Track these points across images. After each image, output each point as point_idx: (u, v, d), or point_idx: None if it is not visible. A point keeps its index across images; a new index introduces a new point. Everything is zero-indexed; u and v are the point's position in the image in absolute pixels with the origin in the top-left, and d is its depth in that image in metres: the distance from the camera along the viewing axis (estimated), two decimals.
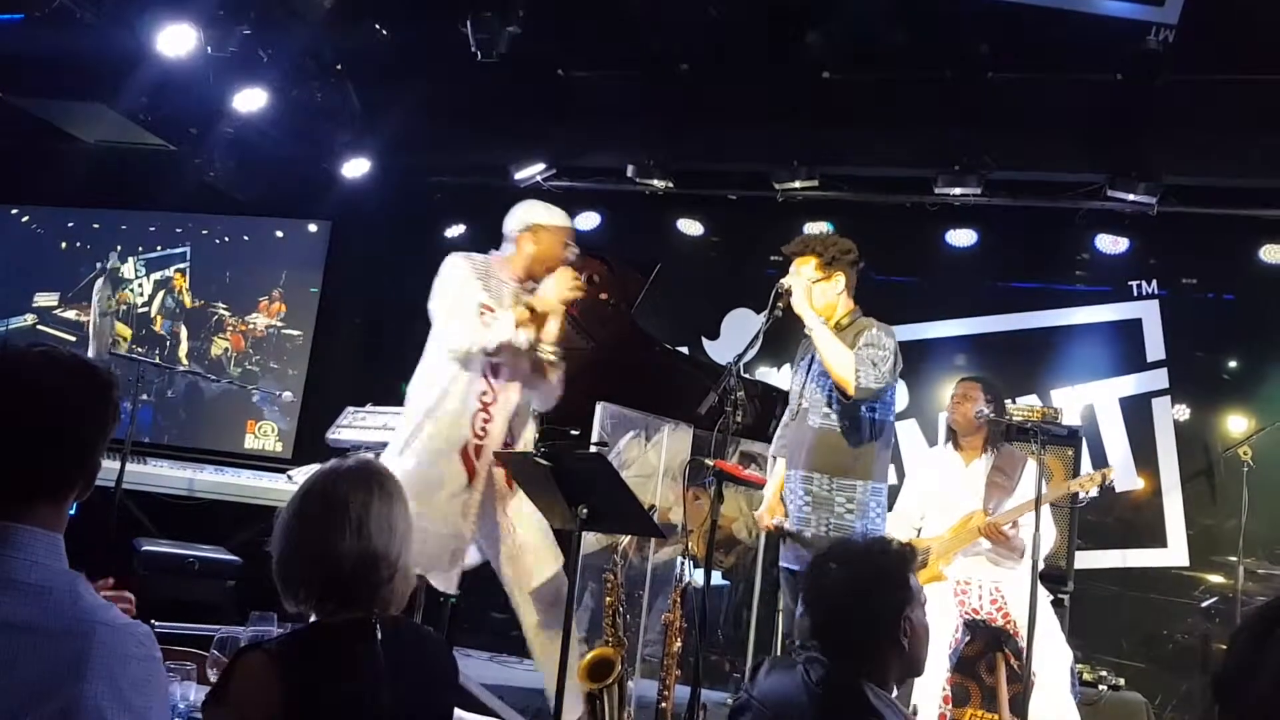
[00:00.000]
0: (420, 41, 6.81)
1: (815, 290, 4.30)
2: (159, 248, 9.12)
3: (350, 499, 2.00)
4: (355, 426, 6.50)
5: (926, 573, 5.04)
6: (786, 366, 8.75)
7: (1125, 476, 7.18)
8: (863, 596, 2.31)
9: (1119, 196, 6.57)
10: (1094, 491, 5.21)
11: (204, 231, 9.07)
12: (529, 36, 6.13)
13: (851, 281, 4.39)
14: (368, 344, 8.86)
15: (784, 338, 8.22)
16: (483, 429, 4.26)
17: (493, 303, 4.28)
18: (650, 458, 5.88)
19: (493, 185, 8.02)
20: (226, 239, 9.04)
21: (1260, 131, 6.32)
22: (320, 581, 1.97)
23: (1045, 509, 5.02)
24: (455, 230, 8.62)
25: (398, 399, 7.55)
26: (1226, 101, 6.29)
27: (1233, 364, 7.22)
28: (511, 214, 4.56)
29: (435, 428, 4.26)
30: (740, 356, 4.23)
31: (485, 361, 4.27)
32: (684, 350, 8.06)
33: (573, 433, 5.11)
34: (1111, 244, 7.26)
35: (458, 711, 3.27)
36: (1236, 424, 6.98)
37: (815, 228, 7.73)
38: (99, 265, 9.16)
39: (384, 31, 6.91)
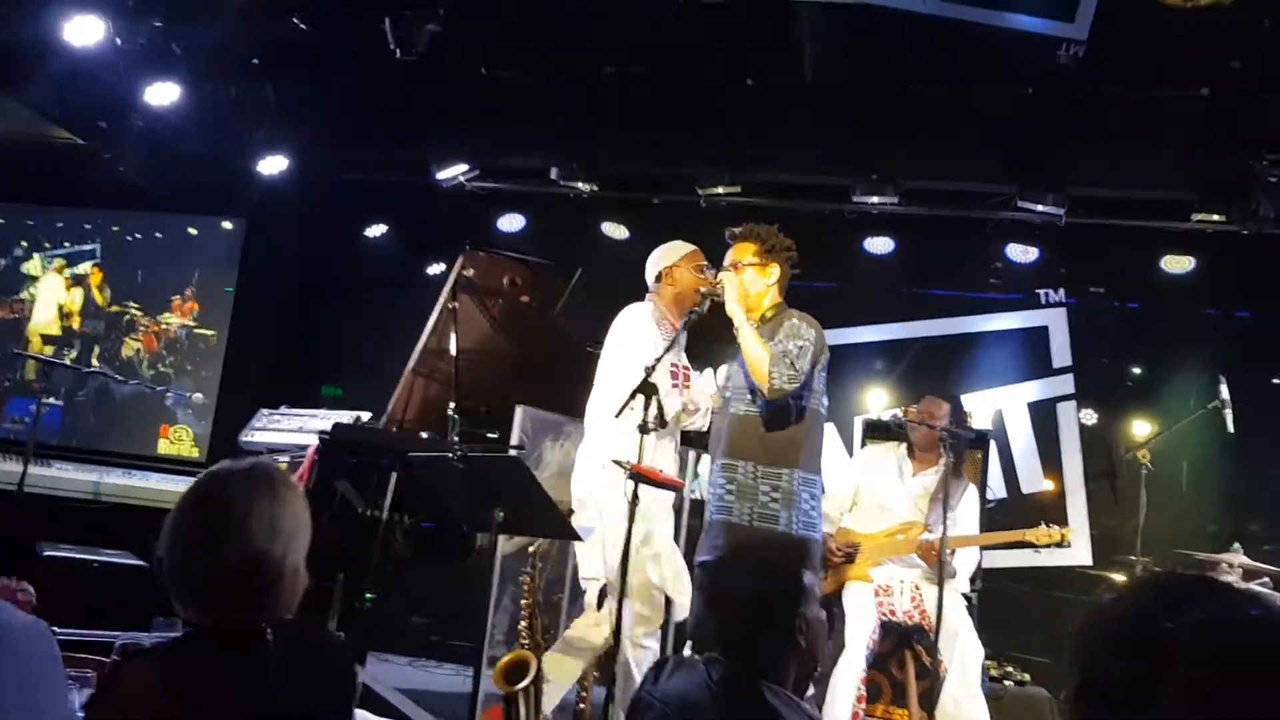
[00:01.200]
0: (340, 37, 6.73)
1: (748, 275, 4.35)
2: (67, 244, 8.87)
3: (235, 500, 1.96)
4: (269, 429, 6.39)
5: (853, 570, 5.11)
6: (709, 371, 8.85)
7: (1032, 479, 7.39)
8: (759, 597, 2.33)
9: (1029, 207, 6.75)
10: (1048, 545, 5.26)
11: (114, 228, 8.84)
12: (452, 35, 6.09)
13: (785, 277, 4.43)
14: (284, 344, 8.73)
15: (713, 340, 8.35)
16: None
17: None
18: (569, 458, 5.87)
19: (415, 184, 7.97)
20: (138, 236, 8.83)
21: (1163, 146, 6.54)
22: (206, 584, 1.93)
23: (972, 528, 5.16)
24: (376, 230, 8.53)
25: (314, 400, 7.52)
26: (1132, 116, 6.49)
27: (1136, 370, 7.45)
28: (648, 267, 4.79)
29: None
30: (659, 358, 4.25)
31: None
32: None
33: (490, 435, 5.09)
34: (1022, 253, 7.45)
35: (368, 715, 3.24)
36: (1140, 428, 7.19)
37: None
38: (2, 262, 8.90)
39: (302, 26, 6.81)
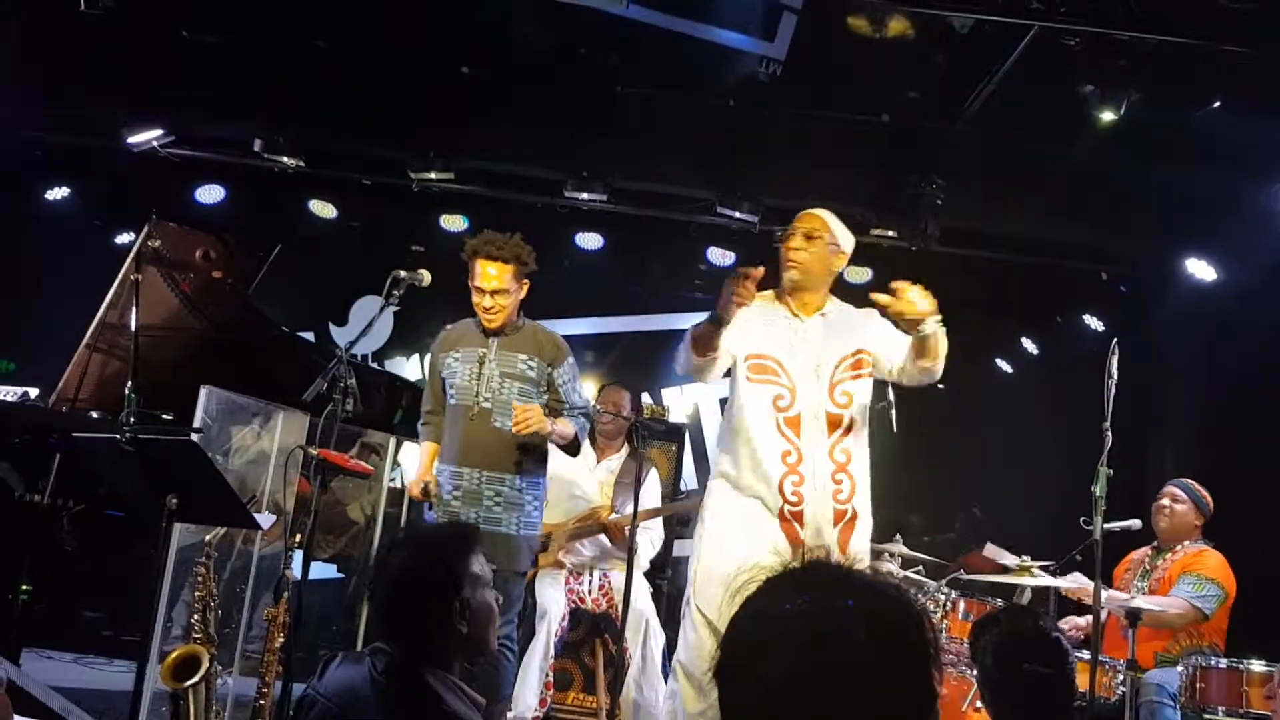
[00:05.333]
0: None
1: (512, 299, 4.37)
2: None
3: None
4: None
5: (545, 558, 5.23)
6: (417, 357, 8.76)
7: None
8: (414, 582, 2.32)
9: (726, 213, 7.11)
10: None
11: None
12: None
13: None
14: None
15: (417, 328, 8.27)
16: None
17: None
18: (263, 444, 5.67)
19: (103, 148, 7.43)
20: None
21: (847, 164, 7.06)
22: None
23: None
24: (58, 192, 7.88)
25: None
26: (820, 135, 6.97)
27: None
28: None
29: None
30: (353, 343, 4.17)
31: None
32: (309, 336, 7.83)
33: (165, 417, 4.82)
34: (721, 256, 7.84)
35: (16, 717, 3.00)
36: None
37: (451, 222, 7.81)
38: None
39: None
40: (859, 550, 3.72)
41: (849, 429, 3.68)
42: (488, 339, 4.42)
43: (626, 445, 5.47)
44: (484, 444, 4.34)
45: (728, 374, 3.83)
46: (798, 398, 3.67)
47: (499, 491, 4.35)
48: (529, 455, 4.39)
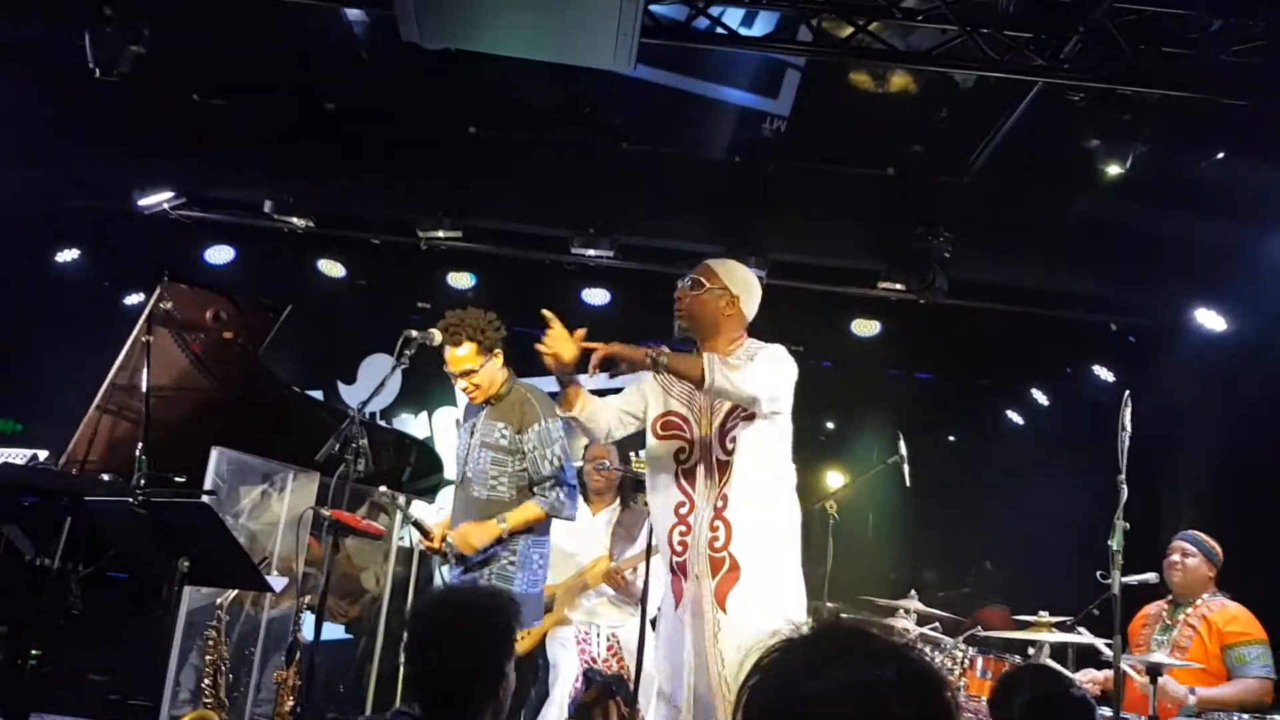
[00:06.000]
0: (36, 48, 6.26)
1: (484, 374, 4.40)
2: None
3: None
4: None
5: (551, 617, 5.20)
6: (425, 414, 8.76)
7: None
8: (471, 649, 2.31)
9: None
10: None
11: None
12: (161, 56, 5.78)
13: (505, 351, 4.52)
14: None
15: (425, 386, 8.28)
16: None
17: None
18: (273, 506, 5.65)
19: (114, 210, 7.50)
20: None
21: (853, 219, 7.09)
22: None
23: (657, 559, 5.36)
24: (68, 254, 7.93)
25: None
26: (827, 189, 7.00)
27: (829, 425, 7.98)
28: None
29: None
30: (365, 403, 4.19)
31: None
32: (318, 395, 7.84)
33: (177, 480, 4.80)
34: None
35: None
36: (834, 479, 7.67)
37: (459, 279, 7.85)
38: None
39: None
40: (739, 607, 3.44)
41: (731, 475, 3.54)
42: (480, 410, 4.52)
43: (618, 498, 5.51)
44: (467, 512, 4.42)
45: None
46: (695, 449, 3.60)
47: (484, 565, 4.40)
48: None
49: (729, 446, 3.56)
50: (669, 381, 3.68)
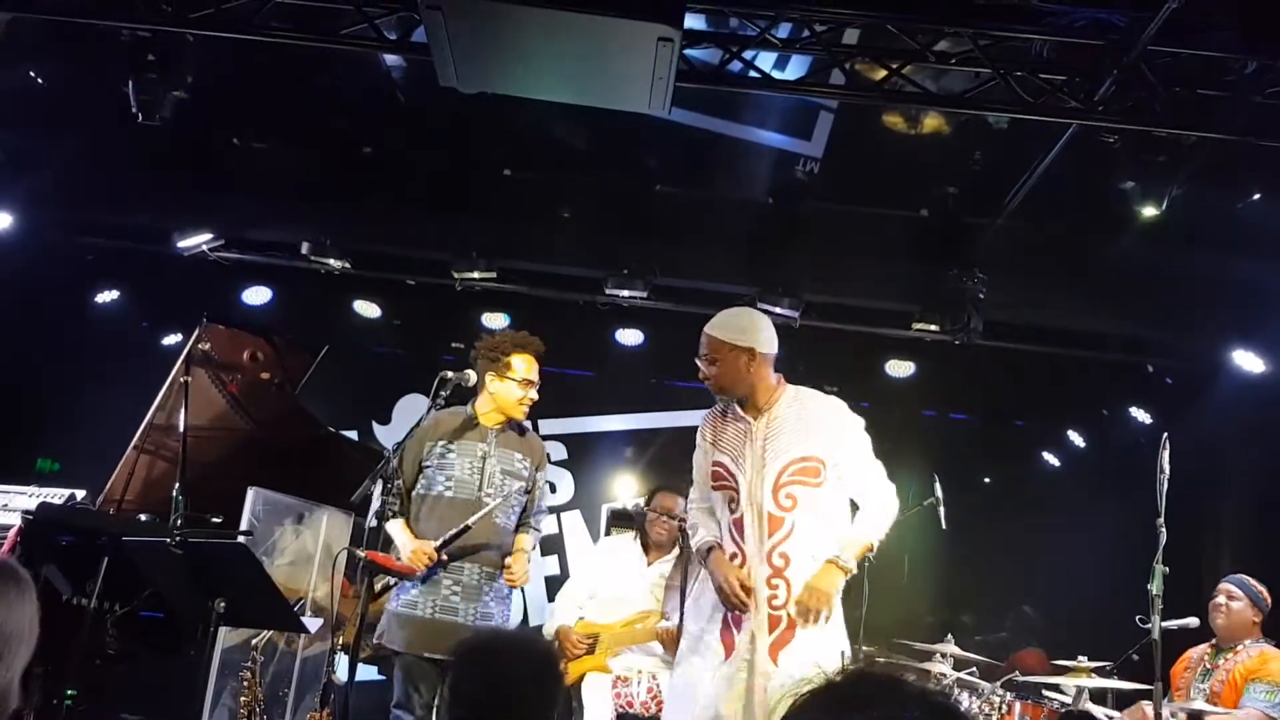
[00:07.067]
0: (80, 94, 6.40)
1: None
2: None
3: None
4: None
5: (592, 661, 5.13)
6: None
7: None
8: (519, 694, 2.29)
9: (767, 309, 7.11)
10: None
11: None
12: (202, 102, 5.90)
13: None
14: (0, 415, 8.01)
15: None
16: None
17: None
18: (306, 545, 5.67)
19: (153, 252, 7.61)
20: None
21: (887, 260, 7.09)
22: None
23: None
24: (108, 295, 8.05)
25: (28, 476, 6.92)
26: (860, 230, 7.01)
27: None
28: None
29: None
30: (400, 444, 4.21)
31: None
32: (353, 435, 7.88)
33: (214, 520, 4.84)
34: None
35: None
36: None
37: (493, 320, 7.89)
38: None
39: (39, 80, 6.44)
40: (790, 661, 3.44)
41: (790, 532, 3.55)
42: (486, 435, 4.45)
43: (678, 548, 5.38)
44: (485, 540, 4.36)
45: None
46: (742, 498, 3.60)
47: (493, 587, 4.40)
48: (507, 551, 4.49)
49: (784, 502, 3.56)
50: (718, 429, 3.70)
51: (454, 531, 4.23)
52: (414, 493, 4.41)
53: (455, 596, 4.29)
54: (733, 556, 3.58)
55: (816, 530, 3.56)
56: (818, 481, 3.57)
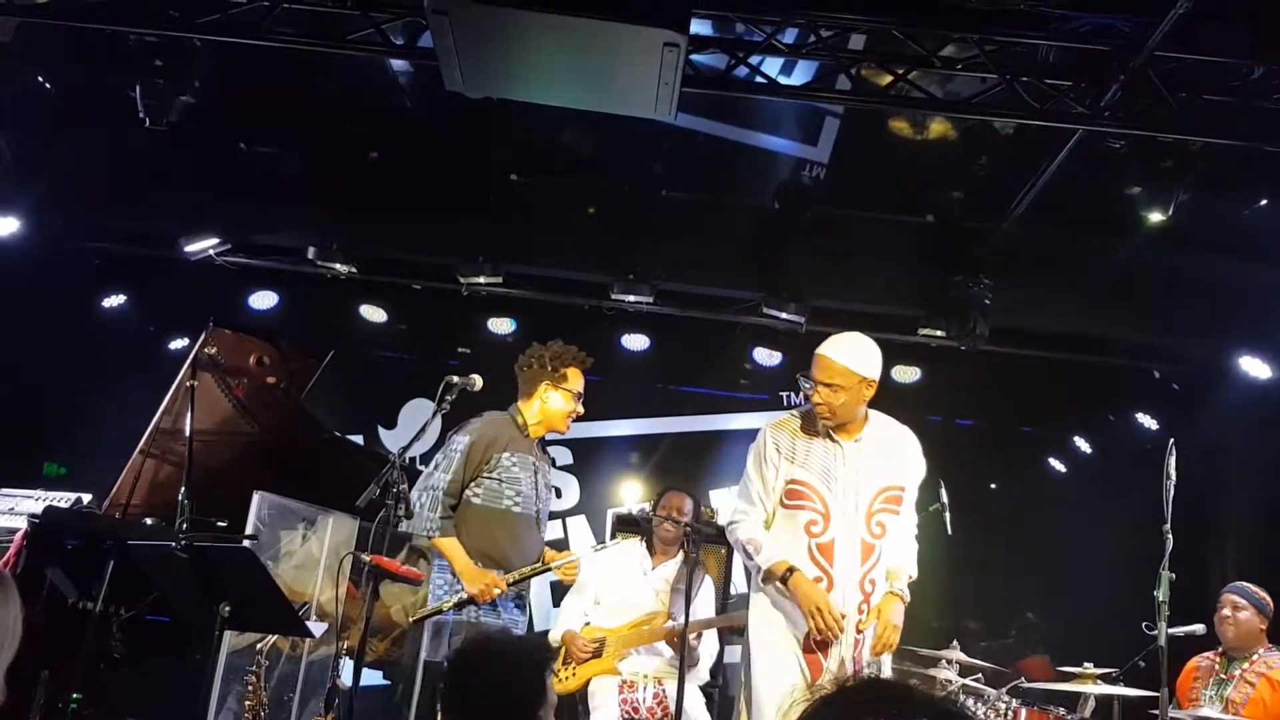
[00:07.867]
0: (87, 99, 6.42)
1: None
2: None
3: None
4: None
5: (600, 664, 5.12)
6: None
7: None
8: (504, 698, 2.31)
9: (773, 314, 7.13)
10: None
11: None
12: (209, 107, 5.92)
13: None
14: (7, 419, 8.03)
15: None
16: None
17: None
18: (312, 549, 5.67)
19: (159, 256, 7.63)
20: None
21: (893, 266, 7.07)
22: None
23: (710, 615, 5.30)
24: (114, 300, 8.07)
25: (35, 479, 6.93)
26: (866, 235, 7.01)
27: None
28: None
29: None
30: (406, 449, 4.20)
31: None
32: (358, 439, 7.88)
33: (219, 524, 4.84)
34: (767, 356, 7.84)
35: None
36: None
37: (499, 325, 7.90)
38: None
39: (47, 85, 6.46)
40: None
41: (878, 560, 3.66)
42: (533, 447, 4.51)
43: (682, 550, 5.38)
44: (536, 552, 4.45)
45: None
46: (831, 524, 3.63)
47: (525, 597, 4.56)
48: None
49: (875, 530, 3.64)
50: (797, 446, 3.72)
51: (533, 570, 4.37)
52: (471, 501, 4.42)
53: (518, 611, 4.50)
54: (816, 580, 3.60)
55: (890, 558, 3.69)
56: (899, 510, 3.72)
